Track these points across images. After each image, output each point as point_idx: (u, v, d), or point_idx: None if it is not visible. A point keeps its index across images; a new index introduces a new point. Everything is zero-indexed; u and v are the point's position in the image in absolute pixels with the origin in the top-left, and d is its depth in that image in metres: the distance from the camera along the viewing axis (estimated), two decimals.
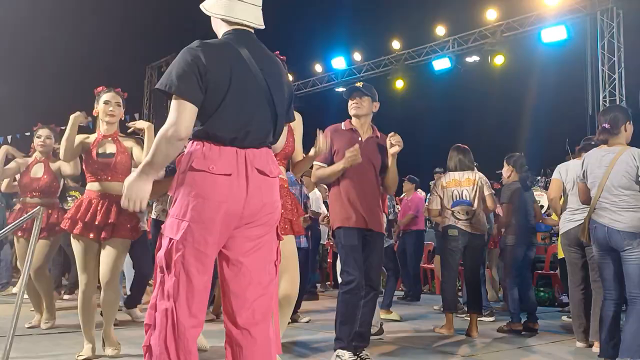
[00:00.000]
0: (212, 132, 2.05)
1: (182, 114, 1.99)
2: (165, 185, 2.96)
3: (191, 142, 2.09)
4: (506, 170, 5.49)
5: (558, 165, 4.90)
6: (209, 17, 2.29)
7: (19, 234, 4.72)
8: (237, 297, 2.09)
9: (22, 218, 3.58)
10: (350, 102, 3.82)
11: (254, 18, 2.24)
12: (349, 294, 3.59)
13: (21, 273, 4.79)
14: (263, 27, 2.28)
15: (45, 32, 14.01)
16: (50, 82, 14.30)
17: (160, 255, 2.07)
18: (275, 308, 2.18)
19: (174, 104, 2.01)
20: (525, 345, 4.62)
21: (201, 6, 2.26)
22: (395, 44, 13.35)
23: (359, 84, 3.96)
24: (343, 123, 3.85)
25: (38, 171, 4.80)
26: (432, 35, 12.74)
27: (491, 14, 11.66)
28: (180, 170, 2.07)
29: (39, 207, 3.47)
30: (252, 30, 2.26)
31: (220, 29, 2.26)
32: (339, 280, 4.96)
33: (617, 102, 10.39)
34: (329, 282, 9.93)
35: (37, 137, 4.83)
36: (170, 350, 1.98)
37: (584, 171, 3.92)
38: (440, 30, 12.54)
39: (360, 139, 3.76)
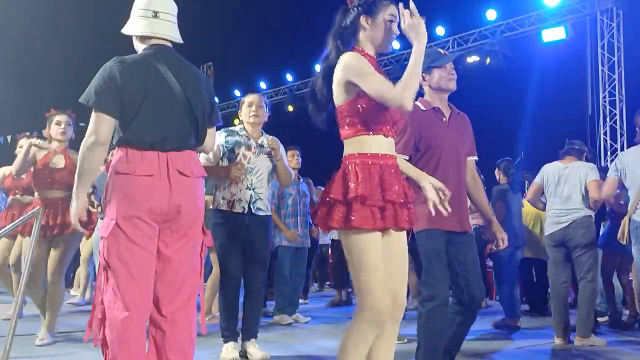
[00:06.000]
0: (132, 139, 2.32)
1: (99, 125, 2.28)
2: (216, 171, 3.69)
3: (117, 149, 2.35)
4: (496, 174, 5.85)
5: (543, 167, 4.98)
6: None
7: (42, 233, 4.04)
8: (164, 288, 2.36)
9: (22, 217, 3.56)
10: (443, 73, 3.07)
11: (171, 32, 2.50)
12: (434, 312, 2.82)
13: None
14: (181, 41, 2.53)
15: (47, 34, 14.00)
16: (52, 82, 14.29)
17: (100, 255, 2.32)
18: (201, 296, 2.49)
19: (93, 115, 2.30)
20: (531, 345, 4.62)
21: (122, 31, 2.52)
22: (395, 44, 13.33)
23: (443, 51, 3.21)
24: (419, 102, 3.07)
25: (59, 162, 4.27)
26: (432, 35, 12.74)
27: (491, 14, 11.65)
28: (109, 176, 2.34)
29: (38, 207, 3.44)
30: (170, 45, 2.51)
31: (139, 46, 2.52)
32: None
33: (617, 103, 10.40)
34: (328, 283, 9.91)
35: (56, 123, 4.32)
36: (108, 341, 2.24)
37: (621, 170, 3.93)
38: (440, 30, 12.54)
39: (444, 119, 3.06)
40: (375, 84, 2.16)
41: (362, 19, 2.33)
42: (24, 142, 4.91)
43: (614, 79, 10.49)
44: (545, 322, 5.98)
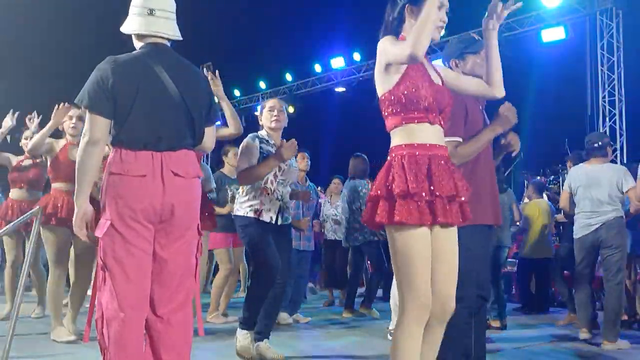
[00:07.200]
0: (126, 139, 2.31)
1: (93, 126, 2.29)
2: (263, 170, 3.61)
3: (112, 149, 2.36)
4: None
5: (569, 172, 5.03)
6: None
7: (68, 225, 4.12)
8: (160, 289, 2.36)
9: (22, 217, 3.56)
10: (477, 59, 2.89)
11: (167, 29, 2.46)
12: (460, 313, 2.51)
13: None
14: (180, 38, 2.50)
15: (45, 34, 14.01)
16: (52, 81, 14.29)
17: (98, 255, 2.34)
18: (197, 297, 2.51)
19: (87, 116, 2.31)
20: (531, 344, 4.62)
21: (121, 29, 2.51)
22: None
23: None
24: None
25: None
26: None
27: None
28: (103, 176, 2.35)
29: (38, 207, 3.45)
30: (167, 42, 2.49)
31: (138, 44, 2.50)
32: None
33: (617, 103, 10.40)
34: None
35: (68, 117, 4.37)
36: (106, 341, 2.24)
37: None
38: None
39: (480, 107, 2.94)
40: (392, 49, 2.13)
41: (407, 9, 2.27)
42: (29, 134, 5.14)
43: (614, 79, 10.48)
44: (545, 321, 6.00)
